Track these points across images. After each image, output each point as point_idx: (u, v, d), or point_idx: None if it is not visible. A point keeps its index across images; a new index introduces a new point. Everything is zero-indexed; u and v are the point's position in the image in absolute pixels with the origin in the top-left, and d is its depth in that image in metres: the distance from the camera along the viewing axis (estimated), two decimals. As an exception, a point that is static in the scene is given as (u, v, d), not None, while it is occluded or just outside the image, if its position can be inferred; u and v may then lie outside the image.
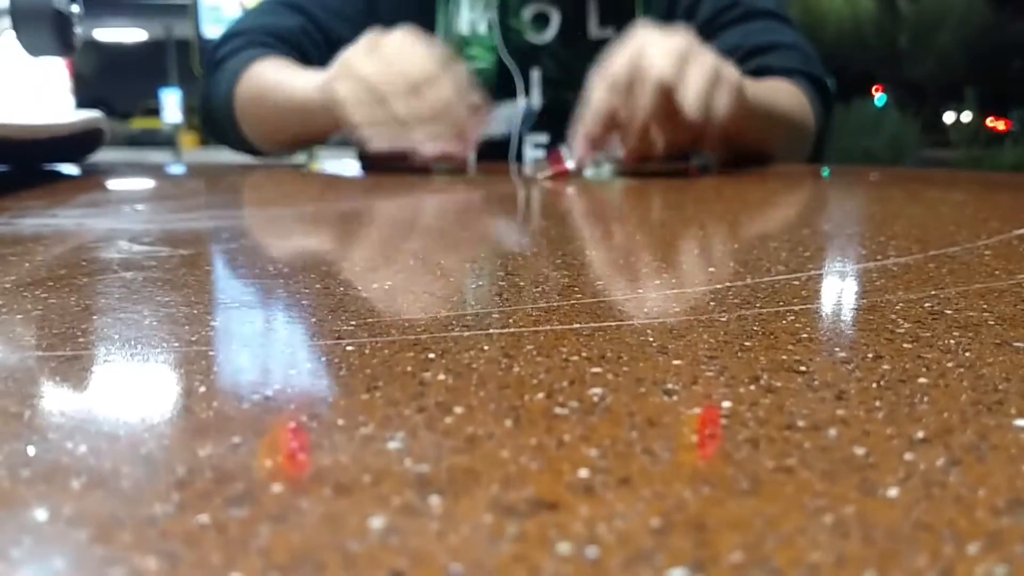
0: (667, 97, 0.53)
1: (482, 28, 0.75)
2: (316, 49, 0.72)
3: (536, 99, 0.75)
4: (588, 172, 0.59)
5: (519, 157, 0.76)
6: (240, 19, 0.77)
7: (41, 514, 0.09)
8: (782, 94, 0.69)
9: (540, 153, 0.76)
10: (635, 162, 0.58)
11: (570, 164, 0.57)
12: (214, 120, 0.74)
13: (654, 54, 0.54)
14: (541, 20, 0.74)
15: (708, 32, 0.74)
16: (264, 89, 0.67)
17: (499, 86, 0.75)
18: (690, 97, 0.53)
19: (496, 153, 0.76)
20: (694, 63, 0.55)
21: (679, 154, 0.60)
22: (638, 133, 0.55)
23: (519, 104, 0.58)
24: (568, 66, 0.74)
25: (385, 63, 0.57)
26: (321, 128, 0.64)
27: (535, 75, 0.75)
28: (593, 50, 0.74)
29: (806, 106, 0.71)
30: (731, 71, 0.57)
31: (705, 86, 0.54)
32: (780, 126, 0.68)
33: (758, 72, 0.70)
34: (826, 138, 0.77)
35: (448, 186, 0.53)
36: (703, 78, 0.54)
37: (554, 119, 0.75)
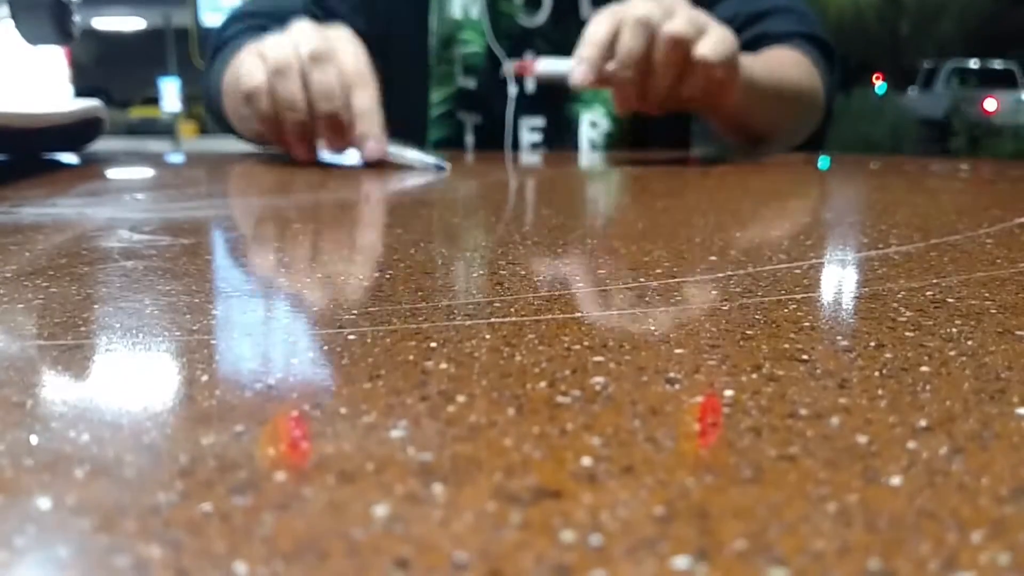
0: (647, 28, 0.53)
1: (474, 12, 0.74)
2: None
3: (531, 82, 0.75)
4: (554, 68, 0.58)
5: (515, 145, 0.76)
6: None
7: (44, 503, 0.09)
8: (786, 65, 0.68)
9: (536, 138, 0.76)
10: (625, 106, 0.57)
11: (540, 66, 0.56)
12: (210, 107, 0.74)
13: (639, 3, 0.55)
14: (533, 3, 0.74)
15: (705, 5, 0.74)
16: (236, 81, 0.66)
17: (490, 70, 0.75)
18: (675, 24, 0.53)
19: (494, 140, 0.75)
20: (680, 9, 0.55)
21: (670, 108, 0.59)
22: (621, 75, 0.54)
23: (427, 158, 0.57)
24: (561, 49, 0.74)
25: (289, 42, 0.55)
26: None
27: (527, 59, 0.74)
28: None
29: (813, 72, 0.70)
30: (724, 29, 0.57)
31: (687, 26, 0.54)
32: (787, 99, 0.67)
33: (757, 39, 0.69)
34: (833, 103, 0.75)
35: (445, 175, 0.53)
36: (686, 18, 0.54)
37: (547, 102, 0.75)
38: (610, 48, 0.55)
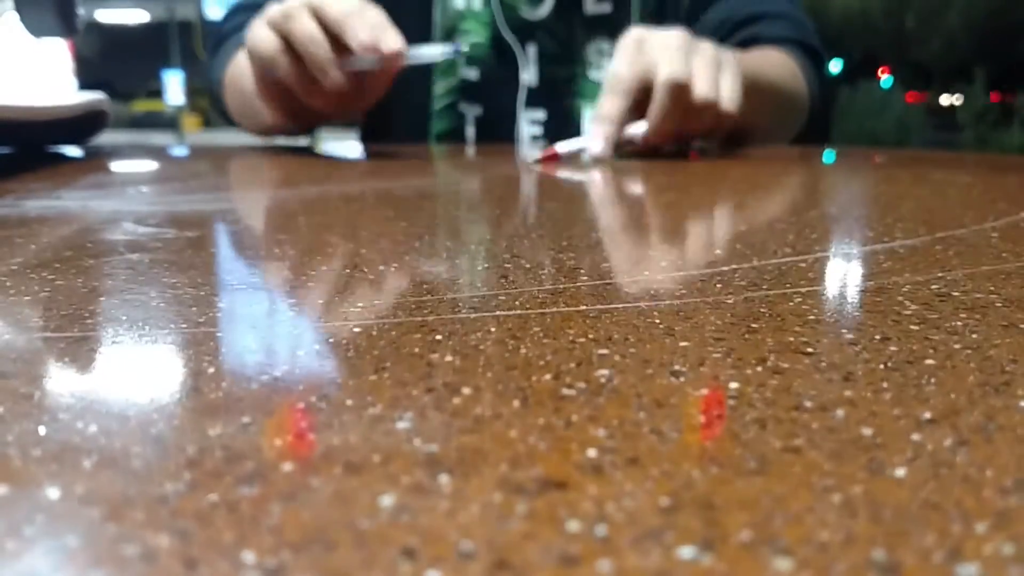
0: (681, 92, 0.54)
1: (477, 3, 0.74)
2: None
3: (532, 75, 0.75)
4: (586, 156, 0.59)
5: (515, 139, 0.76)
6: None
7: (53, 493, 0.10)
8: (772, 65, 0.68)
9: (537, 130, 0.76)
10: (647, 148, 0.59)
11: (560, 149, 0.57)
12: (214, 99, 0.74)
13: (659, 56, 0.55)
14: None
15: (699, 6, 0.74)
16: (238, 74, 0.65)
17: (494, 61, 0.74)
18: (703, 87, 0.54)
19: (495, 132, 0.75)
20: (697, 55, 0.55)
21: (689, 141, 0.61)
22: (657, 131, 0.56)
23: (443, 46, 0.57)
24: (564, 42, 0.74)
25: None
26: (263, 116, 0.62)
27: (531, 51, 0.74)
28: (589, 26, 0.74)
29: (797, 75, 0.70)
30: (731, 57, 0.58)
31: (713, 73, 0.55)
32: (770, 97, 0.67)
33: (747, 42, 0.70)
34: (826, 108, 0.76)
35: (448, 168, 0.53)
36: (709, 67, 0.55)
37: (550, 95, 0.75)
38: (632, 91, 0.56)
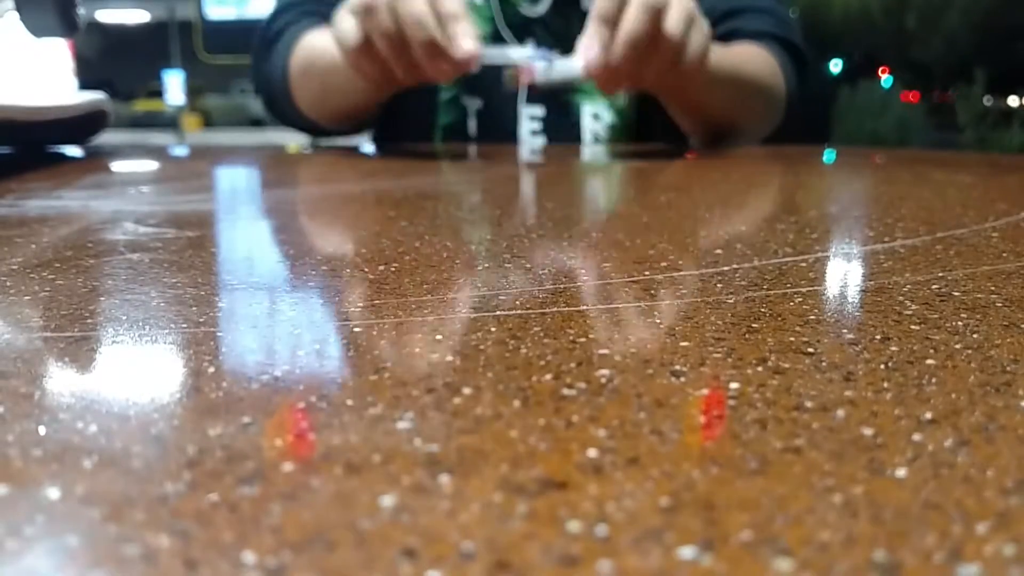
0: (653, 17, 0.54)
1: None
2: None
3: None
4: (555, 73, 0.58)
5: (515, 133, 0.76)
6: None
7: (53, 493, 0.10)
8: (750, 59, 0.68)
9: (537, 127, 0.76)
10: (607, 85, 0.58)
11: (539, 73, 0.56)
12: (273, 99, 0.74)
13: None
14: None
15: None
16: (313, 57, 0.66)
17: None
18: (672, 22, 0.54)
19: (496, 126, 0.75)
20: (675, 1, 0.55)
21: (646, 88, 0.59)
22: (620, 52, 0.55)
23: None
24: (562, 38, 0.74)
25: None
26: (353, 88, 0.63)
27: (529, 64, 0.74)
28: (586, 21, 0.74)
29: (776, 71, 0.70)
30: (705, 23, 0.58)
31: (686, 17, 0.55)
32: (747, 92, 0.67)
33: (728, 36, 0.70)
34: (805, 104, 0.75)
35: (450, 168, 0.53)
36: (683, 11, 0.55)
37: (548, 91, 0.75)
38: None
